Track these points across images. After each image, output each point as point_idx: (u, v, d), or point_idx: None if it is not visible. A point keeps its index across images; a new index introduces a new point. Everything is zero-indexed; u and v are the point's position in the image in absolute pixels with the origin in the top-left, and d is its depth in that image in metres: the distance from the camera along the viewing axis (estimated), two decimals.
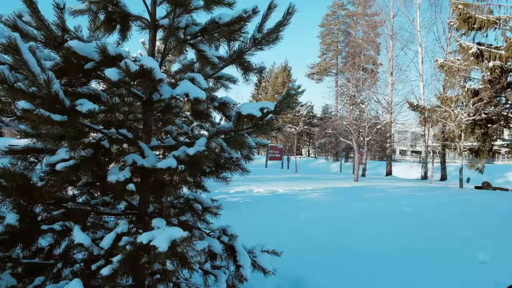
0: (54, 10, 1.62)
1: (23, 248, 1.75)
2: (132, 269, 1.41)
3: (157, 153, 2.62)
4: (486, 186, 13.17)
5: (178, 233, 1.31)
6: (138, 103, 1.93)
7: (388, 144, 23.72)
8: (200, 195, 2.41)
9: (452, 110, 14.44)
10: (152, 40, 1.94)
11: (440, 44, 20.36)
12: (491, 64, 14.51)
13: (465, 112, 14.33)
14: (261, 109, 1.62)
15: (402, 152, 46.06)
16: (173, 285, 1.96)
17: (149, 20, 1.94)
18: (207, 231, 2.20)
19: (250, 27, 1.95)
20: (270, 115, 1.64)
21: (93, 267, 1.55)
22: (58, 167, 1.51)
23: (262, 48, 2.02)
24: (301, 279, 2.81)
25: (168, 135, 2.39)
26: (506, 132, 20.50)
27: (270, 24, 1.96)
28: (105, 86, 2.13)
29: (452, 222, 5.48)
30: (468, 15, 15.33)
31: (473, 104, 14.25)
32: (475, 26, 15.34)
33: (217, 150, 1.93)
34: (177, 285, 1.97)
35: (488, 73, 14.64)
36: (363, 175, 19.86)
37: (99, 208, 1.96)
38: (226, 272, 2.19)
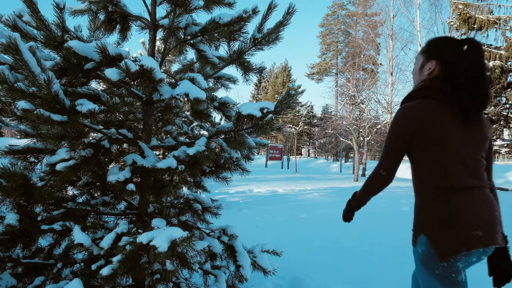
0: (54, 10, 1.62)
1: (23, 248, 1.75)
2: (132, 269, 1.41)
3: (157, 153, 2.63)
4: None
5: (178, 233, 1.31)
6: (138, 103, 1.93)
7: None
8: (200, 195, 2.41)
9: None
10: (152, 40, 1.94)
11: None
12: (491, 64, 14.54)
13: None
14: (261, 109, 1.62)
15: None
16: (173, 285, 1.96)
17: (149, 20, 1.94)
18: (207, 231, 2.20)
19: (250, 27, 1.95)
20: (270, 115, 1.64)
21: (93, 267, 1.56)
22: (58, 167, 1.51)
23: (262, 48, 2.02)
24: (301, 278, 2.81)
25: (168, 135, 2.39)
26: (506, 132, 20.51)
27: (270, 24, 1.96)
28: (105, 86, 2.13)
29: None
30: (468, 15, 15.34)
31: None
32: (475, 26, 15.35)
33: (217, 150, 1.93)
34: (177, 285, 1.97)
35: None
36: (363, 175, 19.85)
37: (99, 208, 1.96)
38: (226, 272, 2.19)
